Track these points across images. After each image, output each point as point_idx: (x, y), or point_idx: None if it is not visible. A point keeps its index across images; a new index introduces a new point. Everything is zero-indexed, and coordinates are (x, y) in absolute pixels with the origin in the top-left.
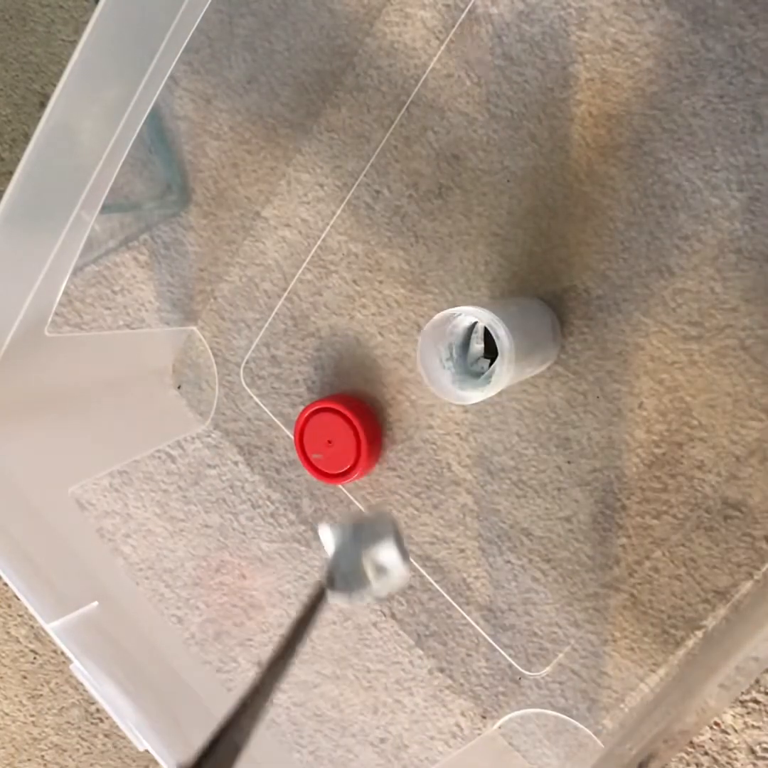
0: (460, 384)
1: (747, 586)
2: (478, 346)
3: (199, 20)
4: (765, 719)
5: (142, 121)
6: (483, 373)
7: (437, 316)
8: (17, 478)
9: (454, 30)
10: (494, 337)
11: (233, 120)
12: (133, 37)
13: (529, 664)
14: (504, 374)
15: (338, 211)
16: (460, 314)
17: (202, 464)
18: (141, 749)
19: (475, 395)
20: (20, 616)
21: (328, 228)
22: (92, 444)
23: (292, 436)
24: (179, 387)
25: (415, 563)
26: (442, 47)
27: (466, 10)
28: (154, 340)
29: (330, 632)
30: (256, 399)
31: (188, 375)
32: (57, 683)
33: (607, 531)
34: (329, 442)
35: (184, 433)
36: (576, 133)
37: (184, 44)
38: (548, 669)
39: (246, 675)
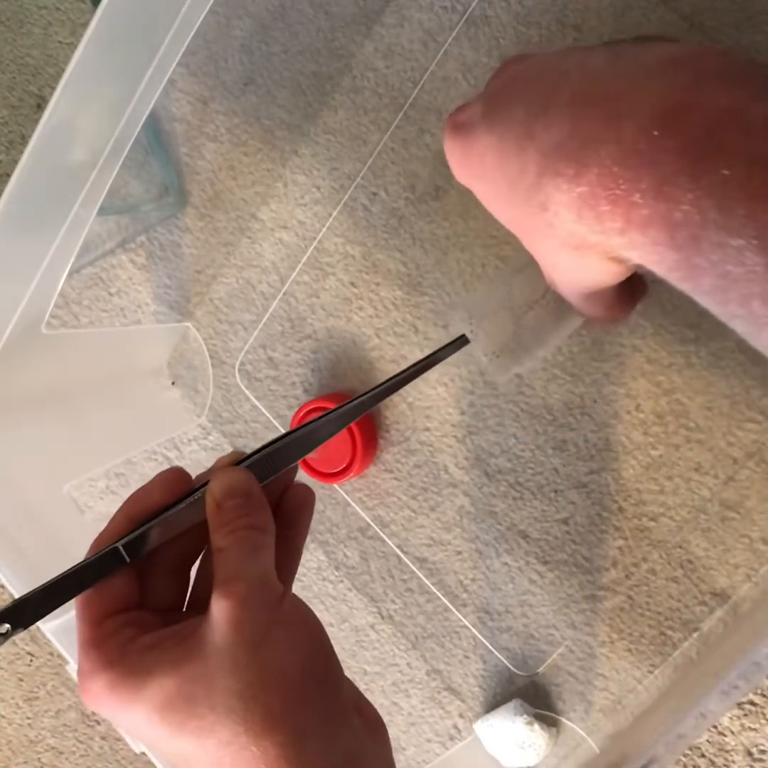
0: None
1: (746, 588)
2: None
3: (199, 22)
4: (762, 721)
5: (142, 122)
6: None
7: None
8: (13, 475)
9: (451, 32)
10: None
11: (230, 122)
12: (134, 38)
13: (526, 666)
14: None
15: (335, 213)
16: None
17: (199, 466)
18: (137, 752)
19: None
20: None
21: (325, 230)
22: (88, 441)
23: None
24: (173, 383)
25: (411, 565)
26: (440, 49)
27: (464, 12)
28: (151, 339)
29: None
30: (253, 400)
31: (184, 376)
32: (54, 685)
33: (604, 533)
34: None
35: (180, 430)
36: None
37: (185, 46)
38: (545, 671)
39: None
